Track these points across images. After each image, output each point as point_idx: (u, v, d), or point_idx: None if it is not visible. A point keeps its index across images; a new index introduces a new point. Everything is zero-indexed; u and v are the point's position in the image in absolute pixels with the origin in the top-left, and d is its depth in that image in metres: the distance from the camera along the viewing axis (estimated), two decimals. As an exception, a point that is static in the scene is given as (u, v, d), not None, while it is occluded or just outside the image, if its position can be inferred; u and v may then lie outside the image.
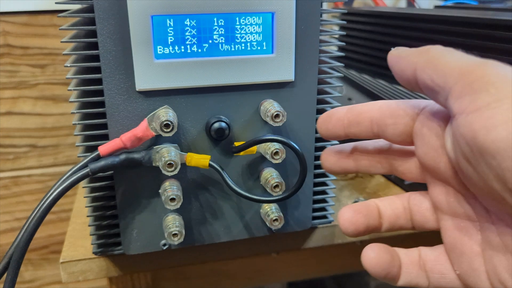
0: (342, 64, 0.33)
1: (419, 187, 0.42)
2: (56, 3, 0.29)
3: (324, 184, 0.35)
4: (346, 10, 0.44)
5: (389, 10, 0.48)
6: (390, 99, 0.45)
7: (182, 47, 0.28)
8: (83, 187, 0.30)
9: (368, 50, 0.51)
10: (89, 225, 0.31)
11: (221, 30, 0.29)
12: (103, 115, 0.29)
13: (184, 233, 0.30)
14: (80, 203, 0.42)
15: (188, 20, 0.28)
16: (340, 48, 0.55)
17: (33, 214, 0.26)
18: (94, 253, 0.33)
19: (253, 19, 0.29)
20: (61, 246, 0.71)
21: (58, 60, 0.64)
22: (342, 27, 0.55)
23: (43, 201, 0.27)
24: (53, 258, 0.72)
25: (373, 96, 0.48)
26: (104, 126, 0.29)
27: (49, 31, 0.63)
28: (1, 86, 0.63)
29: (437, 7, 0.63)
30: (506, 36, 0.32)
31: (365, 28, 0.51)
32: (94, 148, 0.29)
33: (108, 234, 0.32)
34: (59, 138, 0.67)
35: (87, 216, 0.31)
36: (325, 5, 0.31)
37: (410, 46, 0.43)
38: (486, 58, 0.34)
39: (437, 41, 0.39)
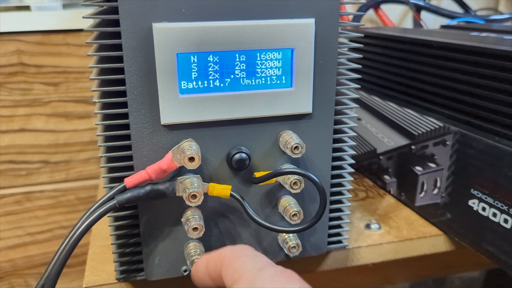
0: (358, 86, 0.34)
1: (429, 209, 0.43)
2: (83, 17, 0.29)
3: (340, 210, 0.36)
4: (363, 35, 0.45)
5: (396, 34, 0.49)
6: (398, 121, 0.46)
7: (205, 82, 0.29)
8: (108, 216, 0.31)
9: (378, 72, 0.52)
10: (113, 253, 0.32)
11: (243, 66, 0.30)
12: (128, 148, 0.30)
13: (205, 260, 0.31)
14: (98, 225, 0.42)
15: (211, 56, 0.29)
16: (356, 70, 0.56)
17: (63, 245, 0.27)
18: (117, 279, 0.33)
19: (273, 54, 0.30)
20: (71, 260, 0.72)
21: (71, 78, 0.65)
22: (355, 49, 0.56)
23: (72, 232, 0.27)
24: (64, 272, 0.73)
25: (382, 117, 0.49)
26: (129, 158, 0.30)
27: (62, 50, 0.64)
28: (15, 104, 0.64)
29: (443, 26, 0.64)
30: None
31: (375, 50, 0.52)
32: (119, 179, 0.30)
33: (131, 261, 0.33)
34: (71, 154, 0.68)
35: (111, 244, 0.32)
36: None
37: (423, 71, 0.44)
38: (504, 89, 0.35)
39: (448, 68, 0.41)
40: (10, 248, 0.70)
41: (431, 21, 0.78)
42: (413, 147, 0.44)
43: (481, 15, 0.75)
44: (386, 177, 0.49)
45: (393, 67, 0.49)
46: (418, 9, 0.72)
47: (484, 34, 0.49)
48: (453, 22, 0.70)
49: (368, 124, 0.52)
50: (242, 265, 0.24)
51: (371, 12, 0.74)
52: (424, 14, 0.74)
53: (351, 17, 0.69)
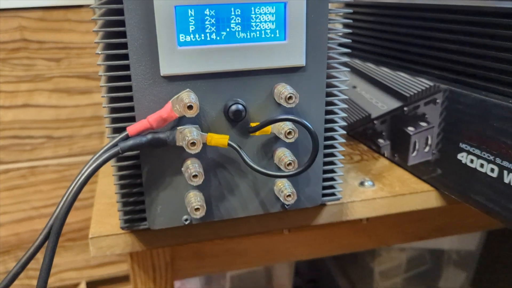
0: (349, 50, 0.35)
1: (421, 167, 0.44)
2: None
3: (332, 163, 0.38)
4: (352, 0, 0.46)
5: (387, 0, 0.51)
6: (391, 84, 0.47)
7: (202, 35, 0.31)
8: (111, 166, 0.33)
9: (371, 40, 0.53)
10: (116, 202, 0.34)
11: (238, 19, 0.31)
12: (129, 99, 0.31)
13: (205, 207, 0.33)
14: (102, 186, 0.44)
15: (207, 10, 0.30)
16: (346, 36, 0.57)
17: (71, 188, 0.29)
18: (122, 227, 0.35)
19: (267, 8, 0.31)
20: (76, 234, 0.74)
21: (73, 54, 0.66)
22: (346, 17, 0.58)
23: (79, 176, 0.29)
24: (69, 246, 0.75)
25: (376, 83, 0.50)
26: (130, 109, 0.32)
27: (63, 26, 0.65)
28: (18, 80, 0.65)
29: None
30: (509, 23, 0.35)
31: (368, 18, 0.53)
32: (122, 129, 0.31)
33: (134, 210, 0.35)
34: (74, 129, 0.70)
35: (115, 193, 0.34)
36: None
37: (413, 35, 0.45)
38: (490, 45, 0.36)
39: (437, 29, 0.42)
40: (15, 222, 0.72)
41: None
42: (405, 108, 0.46)
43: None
44: (380, 140, 0.51)
45: (385, 33, 0.50)
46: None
47: None
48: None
49: (363, 91, 0.53)
50: None
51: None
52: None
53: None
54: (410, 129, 0.45)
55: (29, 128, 0.68)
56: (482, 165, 0.37)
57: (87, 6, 0.64)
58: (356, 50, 0.57)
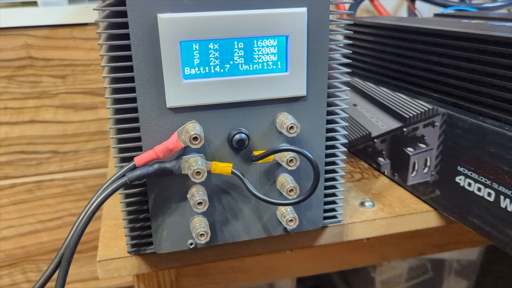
0: (349, 70, 0.36)
1: (420, 187, 0.45)
2: (94, 9, 0.32)
3: (334, 187, 0.39)
4: (353, 22, 0.47)
5: (392, 22, 0.52)
6: (391, 105, 0.48)
7: (207, 68, 0.32)
8: (119, 193, 0.34)
9: (372, 59, 0.54)
10: (124, 227, 0.35)
11: (241, 52, 0.32)
12: (136, 130, 0.32)
13: (209, 233, 0.34)
14: (108, 207, 0.45)
15: (211, 44, 0.31)
16: (346, 56, 0.58)
17: (80, 218, 0.30)
18: (129, 252, 0.36)
19: (269, 41, 0.33)
20: (82, 246, 0.75)
21: (78, 70, 0.68)
22: (346, 37, 0.59)
23: (88, 206, 0.30)
24: (75, 258, 0.76)
25: (376, 102, 0.51)
26: (137, 139, 0.33)
27: (69, 44, 0.66)
28: (24, 96, 0.67)
29: (436, 15, 0.67)
30: (506, 52, 0.36)
31: (368, 38, 0.54)
32: (129, 159, 0.32)
33: (141, 235, 0.36)
34: (79, 144, 0.71)
35: (123, 219, 0.35)
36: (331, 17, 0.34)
37: (413, 57, 0.46)
38: (487, 72, 0.37)
39: (436, 53, 0.43)
40: (22, 235, 0.73)
41: (426, 10, 0.80)
42: (404, 129, 0.47)
43: (476, 3, 0.77)
44: (381, 159, 0.52)
45: (386, 54, 0.51)
46: (412, -2, 0.74)
47: (474, 21, 0.51)
48: (447, 11, 0.72)
49: (363, 109, 0.54)
50: None
51: (367, 3, 0.76)
52: (418, 4, 0.76)
53: (347, 6, 0.71)
54: (410, 149, 0.46)
55: (35, 144, 0.69)
56: (479, 189, 0.38)
57: (92, 24, 0.65)
58: (357, 68, 0.58)
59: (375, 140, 0.52)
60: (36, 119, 0.68)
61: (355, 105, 0.56)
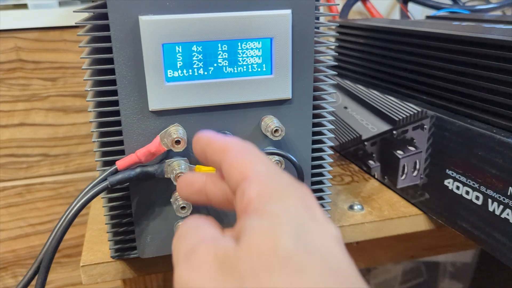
0: (335, 73, 0.36)
1: (410, 191, 0.45)
2: (74, 11, 0.32)
3: (321, 190, 0.38)
4: (339, 24, 0.47)
5: (382, 24, 0.51)
6: (381, 107, 0.48)
7: (190, 70, 0.32)
8: (102, 198, 0.34)
9: (362, 62, 0.54)
10: (107, 232, 0.34)
11: (225, 55, 0.32)
12: (119, 133, 0.32)
13: (194, 238, 0.33)
14: (95, 211, 0.45)
15: (195, 46, 0.31)
16: (335, 59, 0.58)
17: (59, 224, 0.29)
18: (112, 257, 0.36)
19: (254, 44, 0.32)
20: (72, 250, 0.74)
21: (68, 73, 0.67)
22: (337, 39, 0.59)
23: (68, 211, 0.30)
24: (65, 262, 0.75)
25: (366, 105, 0.51)
26: (120, 142, 0.32)
27: (59, 46, 0.66)
28: (14, 99, 0.66)
29: (428, 17, 0.66)
30: (495, 54, 0.35)
31: (359, 40, 0.54)
32: (111, 162, 0.32)
33: (124, 240, 0.35)
34: (70, 147, 0.70)
35: (106, 224, 0.34)
36: (321, 18, 0.34)
37: (402, 59, 0.46)
38: (475, 74, 0.36)
39: (425, 56, 0.43)
40: (12, 239, 0.72)
41: (419, 13, 0.80)
42: (394, 132, 0.46)
43: (469, 5, 0.77)
44: (371, 162, 0.51)
45: (376, 56, 0.51)
46: (404, 0, 0.74)
47: (465, 23, 0.51)
48: (439, 13, 0.71)
49: (354, 112, 0.54)
50: (252, 163, 0.21)
51: (360, 5, 0.76)
52: (411, 6, 0.76)
53: (339, 8, 0.71)
54: (399, 152, 0.46)
55: (25, 147, 0.69)
56: (467, 192, 0.38)
57: (83, 26, 0.65)
58: (348, 71, 0.57)
59: (366, 143, 0.52)
60: (26, 122, 0.68)
61: (345, 107, 0.56)
